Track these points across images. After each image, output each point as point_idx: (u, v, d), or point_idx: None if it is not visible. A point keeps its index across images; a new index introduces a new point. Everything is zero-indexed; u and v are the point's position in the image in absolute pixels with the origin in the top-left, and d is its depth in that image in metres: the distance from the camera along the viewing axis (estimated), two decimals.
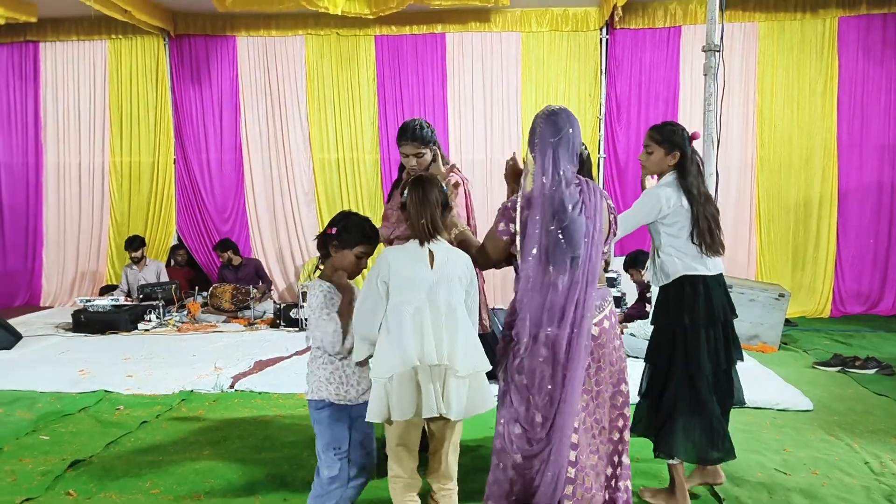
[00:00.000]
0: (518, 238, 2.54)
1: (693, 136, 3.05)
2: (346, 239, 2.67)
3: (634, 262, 6.29)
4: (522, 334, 2.47)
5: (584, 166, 3.53)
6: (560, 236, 2.45)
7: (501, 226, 2.61)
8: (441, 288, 2.50)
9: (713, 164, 3.52)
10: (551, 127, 2.59)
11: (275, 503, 3.19)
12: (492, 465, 2.57)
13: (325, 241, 2.72)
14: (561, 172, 2.54)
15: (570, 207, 2.47)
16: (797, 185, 7.94)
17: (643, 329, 5.74)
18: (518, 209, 2.54)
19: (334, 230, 2.68)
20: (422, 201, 2.52)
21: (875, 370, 5.29)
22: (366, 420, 2.56)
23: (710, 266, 3.01)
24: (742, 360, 3.16)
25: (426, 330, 2.45)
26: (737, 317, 3.12)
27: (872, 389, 4.86)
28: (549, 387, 2.45)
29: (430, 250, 2.53)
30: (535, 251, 2.48)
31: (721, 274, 3.07)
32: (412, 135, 3.38)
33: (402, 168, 3.60)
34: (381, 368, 2.48)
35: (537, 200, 2.51)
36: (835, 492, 3.24)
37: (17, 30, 8.39)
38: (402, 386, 2.43)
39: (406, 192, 2.59)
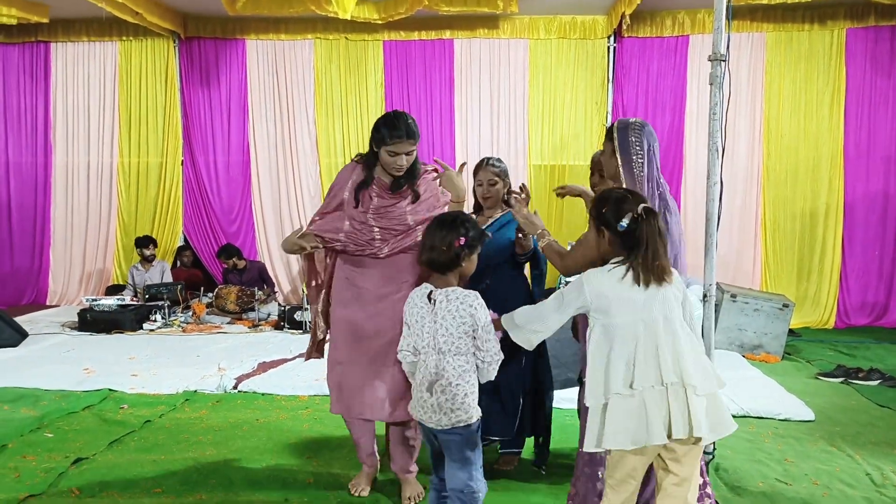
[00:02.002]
0: None
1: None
2: (476, 242, 2.55)
3: None
4: None
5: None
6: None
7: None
8: (655, 305, 2.24)
9: (718, 174, 3.52)
10: (650, 137, 2.76)
11: (276, 503, 3.20)
12: None
13: (454, 258, 2.49)
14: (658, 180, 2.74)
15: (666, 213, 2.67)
16: (803, 196, 7.93)
17: None
18: None
19: (463, 240, 2.48)
20: (661, 234, 2.25)
21: (879, 382, 5.28)
22: (587, 450, 2.28)
23: None
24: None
25: (650, 350, 2.21)
26: None
27: (875, 401, 4.84)
28: None
29: None
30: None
31: None
32: (408, 130, 2.93)
33: (369, 163, 3.09)
34: (596, 395, 2.24)
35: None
36: (836, 503, 3.23)
37: (29, 30, 8.46)
38: (621, 414, 2.20)
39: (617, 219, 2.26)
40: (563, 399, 4.21)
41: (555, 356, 5.04)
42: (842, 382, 5.35)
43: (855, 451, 3.89)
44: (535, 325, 2.40)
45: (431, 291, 2.51)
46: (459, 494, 2.51)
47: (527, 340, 2.43)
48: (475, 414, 2.49)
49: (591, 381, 2.26)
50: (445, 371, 2.46)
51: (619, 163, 2.75)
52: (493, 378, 2.55)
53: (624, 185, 2.68)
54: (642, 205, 2.26)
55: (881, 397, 4.92)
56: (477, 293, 2.53)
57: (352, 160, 3.21)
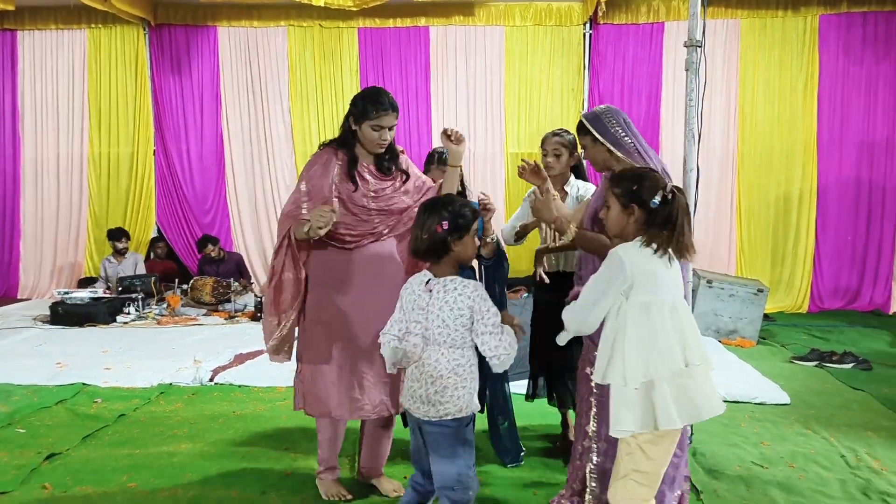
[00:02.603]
0: None
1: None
2: (463, 223, 2.40)
3: None
4: None
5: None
6: None
7: None
8: (680, 282, 2.29)
9: (694, 160, 3.53)
10: (620, 115, 2.79)
11: (253, 496, 3.16)
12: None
13: (439, 244, 2.38)
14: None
15: None
16: (777, 181, 8.00)
17: None
18: None
19: (445, 224, 2.36)
20: (687, 212, 2.27)
21: (852, 365, 5.35)
22: (613, 433, 2.22)
23: None
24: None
25: (685, 329, 2.22)
26: None
27: (849, 384, 4.91)
28: None
29: None
30: None
31: None
32: (391, 103, 2.88)
33: (347, 143, 2.97)
34: (628, 379, 2.18)
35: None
36: (811, 485, 3.27)
37: None
38: (675, 392, 2.17)
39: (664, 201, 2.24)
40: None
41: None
42: (816, 366, 5.41)
43: (830, 433, 3.94)
44: (588, 321, 2.26)
45: (430, 279, 2.42)
46: (449, 492, 2.39)
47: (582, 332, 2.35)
48: (466, 408, 2.38)
49: (630, 361, 2.17)
50: (439, 363, 2.36)
51: (610, 147, 2.73)
52: (501, 371, 2.41)
53: (634, 163, 2.65)
54: (670, 183, 2.28)
55: (855, 380, 4.99)
56: (479, 283, 2.42)
57: (320, 147, 3.01)
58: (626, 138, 2.73)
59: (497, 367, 2.37)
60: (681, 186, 2.42)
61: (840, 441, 3.82)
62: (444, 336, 2.36)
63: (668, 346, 2.17)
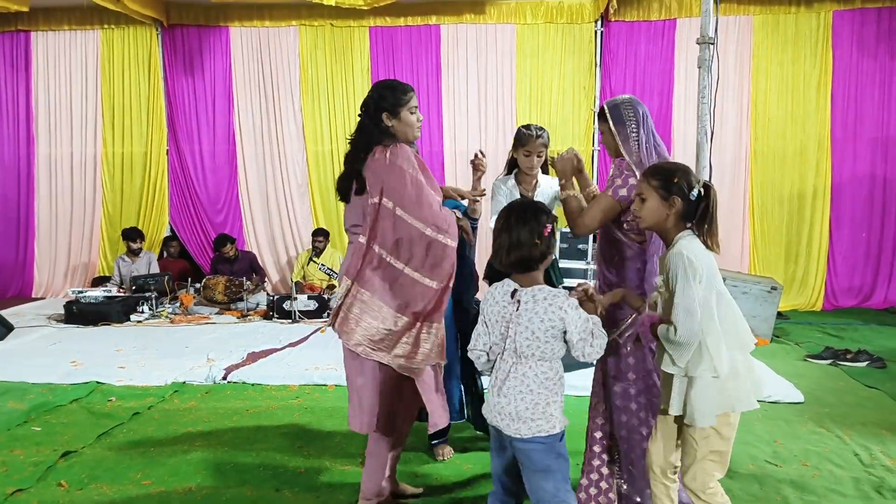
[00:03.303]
0: None
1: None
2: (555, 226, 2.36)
3: None
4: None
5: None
6: None
7: (623, 192, 2.66)
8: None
9: (707, 157, 3.52)
10: (640, 107, 2.77)
11: (266, 493, 3.19)
12: None
13: (546, 249, 2.27)
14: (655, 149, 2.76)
15: None
16: (791, 178, 7.95)
17: None
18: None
19: (549, 227, 2.27)
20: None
21: (866, 363, 5.31)
22: (702, 425, 2.26)
23: None
24: None
25: (737, 312, 2.35)
26: None
27: (863, 382, 4.88)
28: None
29: None
30: None
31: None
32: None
33: (391, 137, 2.74)
34: (719, 367, 2.24)
35: None
36: (825, 483, 3.25)
37: (9, 19, 8.33)
38: (746, 374, 2.30)
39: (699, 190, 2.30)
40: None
41: None
42: (830, 364, 5.38)
43: (843, 431, 3.92)
44: (697, 327, 2.21)
45: (516, 290, 2.26)
46: None
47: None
48: (559, 423, 2.26)
49: (716, 351, 2.23)
50: (526, 377, 2.24)
51: (619, 140, 2.76)
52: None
53: (628, 158, 2.71)
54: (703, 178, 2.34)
55: (869, 378, 4.96)
56: (566, 292, 2.28)
57: (384, 145, 2.69)
58: (635, 134, 2.75)
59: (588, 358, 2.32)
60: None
61: (854, 439, 3.80)
62: (534, 349, 2.23)
63: (738, 329, 2.30)
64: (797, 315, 7.47)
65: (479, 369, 2.43)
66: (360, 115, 2.81)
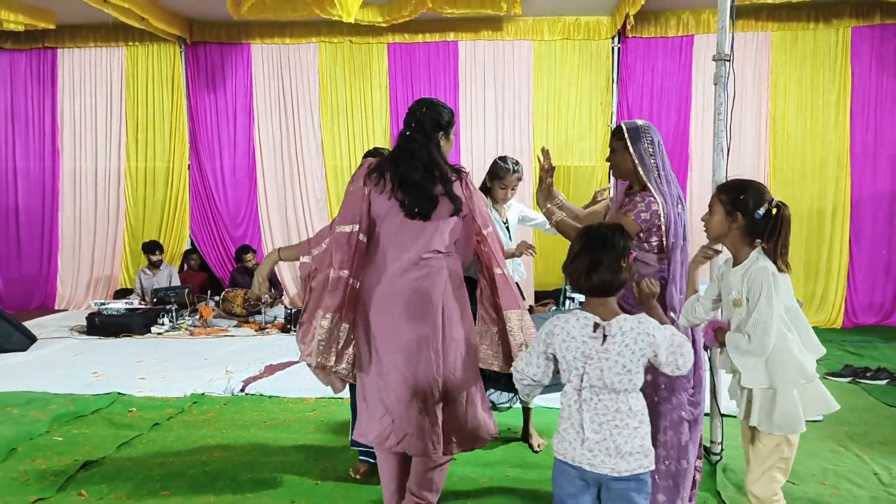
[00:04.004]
0: (665, 230, 2.78)
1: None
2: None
3: None
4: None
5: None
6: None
7: (645, 215, 2.76)
8: None
9: (723, 173, 3.52)
10: (657, 136, 2.87)
11: None
12: None
13: (628, 274, 2.17)
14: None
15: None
16: (810, 195, 7.90)
17: None
18: (661, 208, 2.77)
19: (633, 252, 2.19)
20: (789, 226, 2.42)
21: (887, 381, 5.26)
22: (796, 431, 2.38)
23: None
24: None
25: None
26: None
27: (883, 401, 4.83)
28: None
29: None
30: (680, 247, 2.85)
31: None
32: None
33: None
34: (806, 371, 2.40)
35: (672, 202, 2.81)
36: (843, 502, 3.23)
37: (36, 37, 8.53)
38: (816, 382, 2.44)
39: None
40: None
41: None
42: (850, 382, 5.33)
43: (862, 450, 3.88)
44: (769, 342, 2.30)
45: (597, 323, 2.11)
46: None
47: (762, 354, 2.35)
48: (653, 458, 2.15)
49: (802, 361, 2.39)
50: (620, 411, 2.10)
51: (637, 162, 2.82)
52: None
53: (648, 183, 2.79)
54: (776, 198, 2.38)
55: (889, 397, 4.91)
56: (644, 315, 2.17)
57: (460, 172, 2.80)
58: (652, 158, 2.83)
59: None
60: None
61: (873, 458, 3.76)
62: (625, 383, 2.09)
63: (812, 340, 2.45)
64: (817, 332, 7.24)
65: (523, 395, 2.37)
66: (412, 130, 2.76)
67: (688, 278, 2.73)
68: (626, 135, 2.85)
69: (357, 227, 2.71)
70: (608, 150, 2.97)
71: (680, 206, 2.86)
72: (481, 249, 2.86)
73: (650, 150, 2.83)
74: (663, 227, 2.78)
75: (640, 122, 2.91)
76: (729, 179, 2.58)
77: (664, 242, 2.80)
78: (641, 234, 2.79)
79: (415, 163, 2.70)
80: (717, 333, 2.47)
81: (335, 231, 2.75)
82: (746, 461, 2.56)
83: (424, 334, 2.69)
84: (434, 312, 2.70)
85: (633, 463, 2.08)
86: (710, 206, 2.49)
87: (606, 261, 2.10)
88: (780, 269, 2.33)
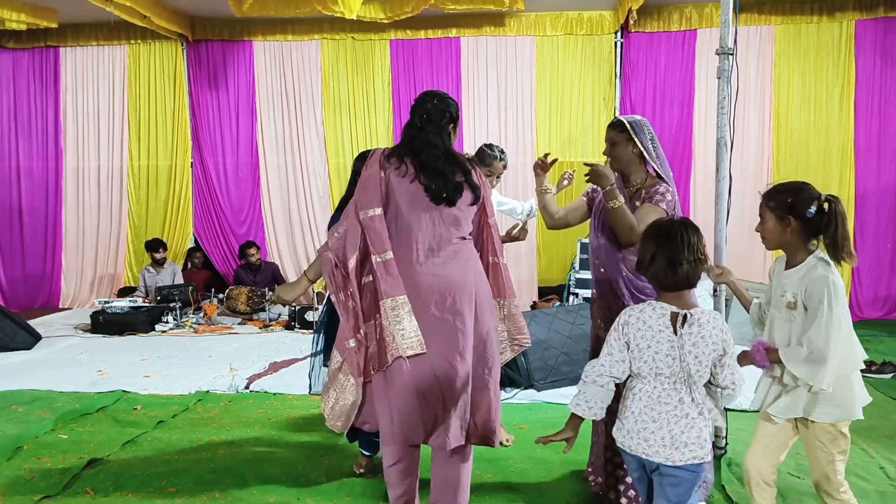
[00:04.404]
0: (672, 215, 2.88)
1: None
2: None
3: None
4: None
5: None
6: None
7: (669, 197, 2.91)
8: None
9: (726, 167, 3.51)
10: (653, 132, 3.01)
11: (289, 501, 3.22)
12: None
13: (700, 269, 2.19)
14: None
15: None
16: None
17: None
18: (674, 195, 2.95)
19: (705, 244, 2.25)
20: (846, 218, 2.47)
21: (892, 375, 5.25)
22: (854, 418, 2.46)
23: None
24: None
25: None
26: None
27: (889, 394, 4.81)
28: None
29: None
30: None
31: None
32: None
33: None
34: (857, 358, 2.50)
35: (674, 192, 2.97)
36: None
37: (38, 35, 8.52)
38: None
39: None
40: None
41: (566, 353, 5.05)
42: None
43: (868, 444, 3.87)
44: (834, 348, 2.30)
45: (676, 313, 2.15)
46: None
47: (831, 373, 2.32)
48: (710, 451, 2.20)
49: (852, 354, 2.45)
50: (683, 402, 2.15)
51: (645, 153, 2.93)
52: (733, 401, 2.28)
53: (659, 170, 2.94)
54: (824, 193, 2.40)
55: (895, 391, 4.89)
56: (719, 314, 2.25)
57: (472, 163, 2.83)
58: (654, 150, 2.96)
59: (731, 397, 2.24)
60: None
61: (879, 452, 3.75)
62: (698, 375, 2.14)
63: (851, 339, 2.47)
64: None
65: (593, 400, 2.25)
66: (423, 121, 2.72)
67: (734, 291, 2.79)
68: (629, 128, 2.93)
69: (381, 209, 2.63)
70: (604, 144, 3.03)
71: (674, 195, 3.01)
72: (483, 237, 2.84)
73: (650, 143, 2.94)
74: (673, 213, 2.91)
75: (636, 117, 3.02)
76: (772, 185, 2.53)
77: None
78: None
79: (434, 151, 2.67)
80: (770, 354, 2.42)
81: (360, 216, 2.63)
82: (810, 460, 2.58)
83: (461, 320, 2.60)
84: (469, 299, 2.63)
85: (687, 453, 2.13)
86: (760, 215, 2.51)
87: (687, 256, 2.12)
88: (843, 261, 2.38)
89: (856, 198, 7.82)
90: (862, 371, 5.36)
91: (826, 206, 2.34)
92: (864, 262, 7.85)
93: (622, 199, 2.84)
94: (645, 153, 2.92)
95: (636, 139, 2.92)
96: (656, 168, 2.94)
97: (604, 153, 3.07)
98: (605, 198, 2.89)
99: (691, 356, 2.12)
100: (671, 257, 2.12)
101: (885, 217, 7.80)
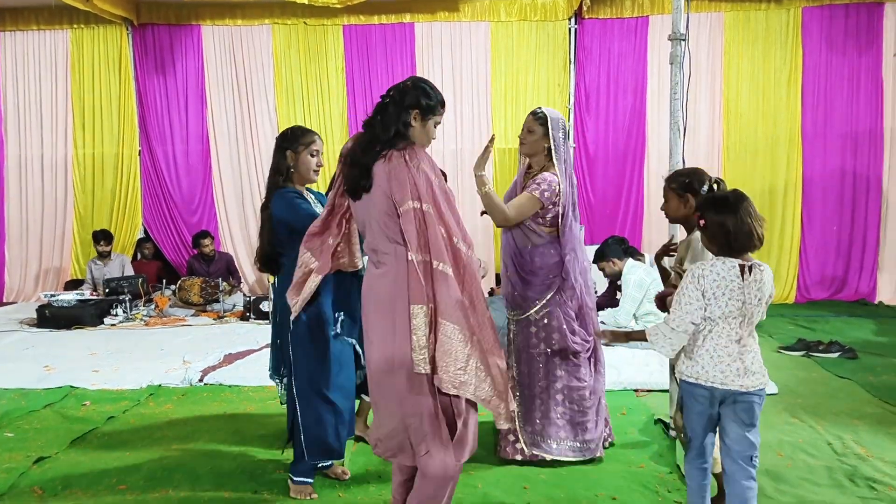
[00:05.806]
0: (562, 211, 3.25)
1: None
2: None
3: (602, 255, 6.06)
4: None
5: None
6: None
7: (548, 194, 3.21)
8: None
9: (679, 152, 3.56)
10: (566, 129, 3.34)
11: (245, 496, 3.16)
12: None
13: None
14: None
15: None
16: (762, 173, 8.06)
17: (612, 317, 5.80)
18: (560, 188, 3.24)
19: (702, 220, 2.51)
20: None
21: (838, 354, 5.40)
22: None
23: None
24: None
25: None
26: None
27: (835, 373, 4.95)
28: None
29: None
30: (573, 222, 3.35)
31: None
32: None
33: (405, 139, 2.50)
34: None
35: (569, 187, 3.29)
36: (799, 473, 3.30)
37: None
38: None
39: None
40: None
41: None
42: (803, 356, 5.46)
43: (816, 421, 3.98)
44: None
45: (743, 265, 2.46)
46: (750, 462, 2.51)
47: None
48: (768, 377, 2.58)
49: None
50: (751, 336, 2.55)
51: (552, 146, 3.27)
52: None
53: (555, 168, 3.28)
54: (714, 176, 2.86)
55: (841, 369, 5.04)
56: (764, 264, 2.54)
57: (399, 149, 2.45)
58: (563, 147, 3.29)
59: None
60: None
61: (827, 429, 3.86)
62: (756, 314, 2.52)
63: None
64: (770, 307, 7.43)
65: (676, 344, 2.53)
66: (386, 101, 2.53)
67: (657, 269, 3.22)
68: (548, 122, 3.27)
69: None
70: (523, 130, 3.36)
71: (572, 186, 3.33)
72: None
73: (561, 140, 3.29)
74: (560, 204, 3.23)
75: (557, 113, 3.36)
76: (672, 172, 3.02)
77: (559, 218, 3.25)
78: (539, 210, 3.22)
79: (370, 132, 2.53)
80: (657, 300, 2.84)
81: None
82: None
83: (398, 324, 2.42)
84: (403, 303, 2.41)
85: (755, 380, 2.50)
86: (664, 196, 2.94)
87: (751, 221, 2.46)
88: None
89: (803, 182, 8.02)
90: (810, 350, 5.58)
91: (716, 186, 2.75)
92: (811, 244, 8.06)
93: (490, 187, 3.20)
94: (553, 150, 3.26)
95: (551, 134, 3.26)
96: (555, 162, 3.26)
97: (519, 136, 3.42)
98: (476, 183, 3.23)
99: (755, 299, 2.47)
100: (742, 224, 2.46)
101: (830, 201, 8.01)
